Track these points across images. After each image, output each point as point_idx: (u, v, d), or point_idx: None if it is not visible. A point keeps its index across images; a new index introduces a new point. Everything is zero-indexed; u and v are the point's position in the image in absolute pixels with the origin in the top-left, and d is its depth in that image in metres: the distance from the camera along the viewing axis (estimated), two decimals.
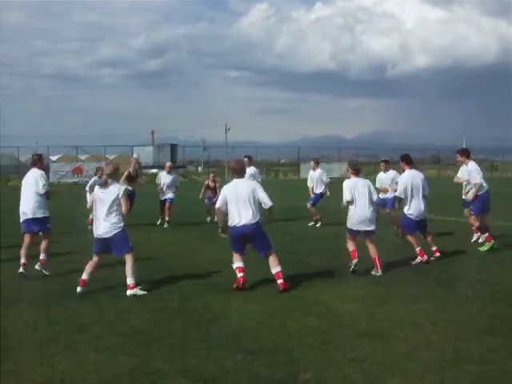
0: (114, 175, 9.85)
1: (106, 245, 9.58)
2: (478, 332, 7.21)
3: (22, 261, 10.70)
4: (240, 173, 10.02)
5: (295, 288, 9.56)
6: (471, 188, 13.43)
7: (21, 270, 10.60)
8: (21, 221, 11.10)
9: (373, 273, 10.66)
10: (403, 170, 12.50)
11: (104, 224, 9.44)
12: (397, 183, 13.37)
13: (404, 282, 10.07)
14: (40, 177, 11.09)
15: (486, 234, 13.27)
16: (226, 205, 9.70)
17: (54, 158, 72.99)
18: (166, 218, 19.18)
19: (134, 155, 21.06)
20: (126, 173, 18.47)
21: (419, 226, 12.21)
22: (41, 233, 11.30)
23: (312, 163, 19.94)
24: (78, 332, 7.39)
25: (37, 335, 7.30)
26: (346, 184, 10.98)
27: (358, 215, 10.86)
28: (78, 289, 9.40)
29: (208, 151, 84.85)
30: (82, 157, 71.69)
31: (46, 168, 12.58)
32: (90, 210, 10.03)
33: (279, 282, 9.47)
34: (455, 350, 6.51)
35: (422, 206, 12.07)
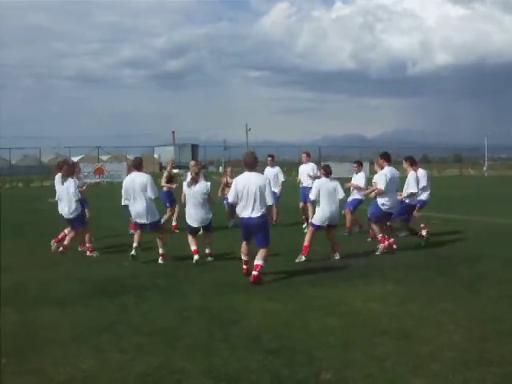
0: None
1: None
2: (502, 333, 7.16)
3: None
4: (251, 166, 10.43)
5: (315, 287, 9.57)
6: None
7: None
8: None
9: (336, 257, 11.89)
10: (382, 168, 13.60)
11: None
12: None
13: (426, 281, 10.03)
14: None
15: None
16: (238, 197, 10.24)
17: (75, 159, 73.52)
18: None
19: (156, 156, 21.31)
20: (165, 174, 18.69)
21: (388, 216, 13.12)
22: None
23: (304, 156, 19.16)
24: (101, 332, 7.44)
25: (61, 335, 7.35)
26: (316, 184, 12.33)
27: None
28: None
29: (229, 151, 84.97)
30: (104, 157, 72.06)
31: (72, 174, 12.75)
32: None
33: (253, 272, 9.96)
34: (478, 351, 6.48)
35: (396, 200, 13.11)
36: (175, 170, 20.65)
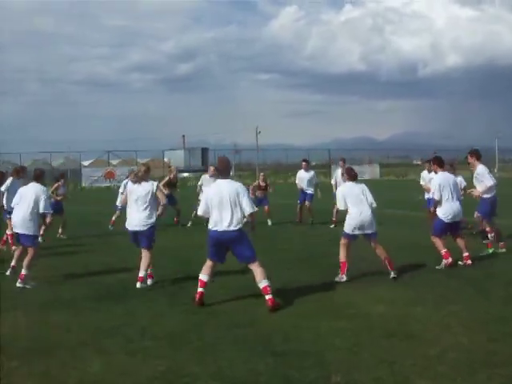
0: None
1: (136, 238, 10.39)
2: (509, 334, 7.15)
3: None
4: (224, 173, 9.26)
5: (324, 290, 9.57)
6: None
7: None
8: None
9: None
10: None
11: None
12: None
13: (434, 283, 10.01)
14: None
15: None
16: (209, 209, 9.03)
17: (85, 163, 73.70)
18: None
19: (170, 162, 22.01)
20: (166, 179, 19.18)
21: (452, 227, 11.99)
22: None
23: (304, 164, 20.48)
24: (110, 335, 7.47)
25: (69, 338, 7.39)
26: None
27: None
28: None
29: (239, 155, 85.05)
30: (114, 161, 72.30)
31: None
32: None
33: (267, 297, 8.65)
34: (486, 353, 6.47)
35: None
36: (185, 174, 21.04)
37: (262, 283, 8.77)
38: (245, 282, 10.19)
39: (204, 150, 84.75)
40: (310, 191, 19.93)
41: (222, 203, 8.82)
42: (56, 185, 18.24)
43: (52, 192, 17.43)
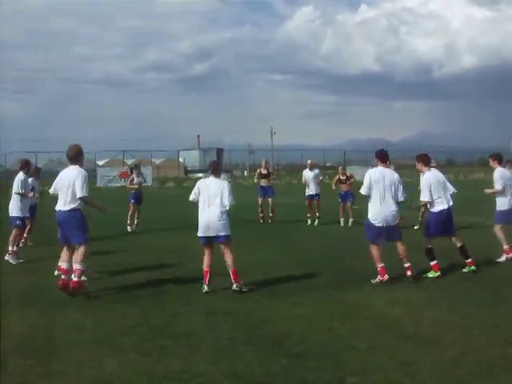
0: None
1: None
2: None
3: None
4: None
5: (340, 291, 9.54)
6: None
7: None
8: None
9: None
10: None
11: None
12: None
13: (450, 286, 9.96)
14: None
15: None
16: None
17: (100, 163, 73.92)
18: None
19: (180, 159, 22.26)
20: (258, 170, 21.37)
21: None
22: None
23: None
24: (125, 334, 7.47)
25: (85, 337, 7.40)
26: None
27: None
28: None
29: (254, 155, 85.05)
30: (129, 161, 72.50)
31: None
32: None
33: (73, 278, 9.38)
34: (503, 356, 6.42)
35: None
36: (200, 174, 21.22)
37: (76, 265, 9.44)
38: (260, 283, 10.19)
39: (219, 151, 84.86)
40: (316, 191, 20.23)
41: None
42: (131, 177, 20.23)
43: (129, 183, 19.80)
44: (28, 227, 14.90)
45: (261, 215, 20.61)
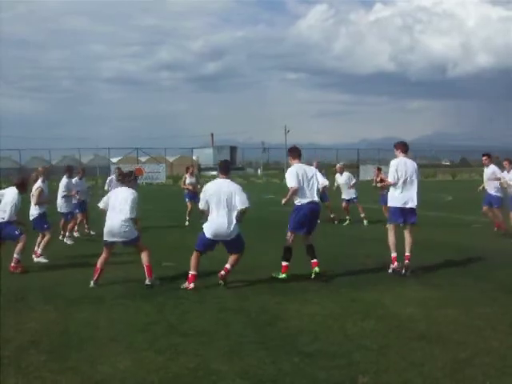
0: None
1: None
2: None
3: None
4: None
5: (353, 290, 9.53)
6: None
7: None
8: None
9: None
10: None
11: None
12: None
13: (464, 285, 9.93)
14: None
15: None
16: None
17: (114, 160, 74.13)
18: None
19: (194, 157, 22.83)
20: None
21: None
22: None
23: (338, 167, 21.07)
24: (139, 332, 7.50)
25: (98, 334, 7.43)
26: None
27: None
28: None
29: (267, 153, 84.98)
30: (143, 159, 72.63)
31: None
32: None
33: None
34: None
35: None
36: (213, 173, 21.50)
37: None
38: (273, 281, 10.20)
39: (232, 149, 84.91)
40: (350, 196, 20.27)
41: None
42: (184, 177, 21.77)
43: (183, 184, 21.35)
44: (78, 220, 17.11)
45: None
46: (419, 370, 6.02)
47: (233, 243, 10.02)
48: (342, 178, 20.25)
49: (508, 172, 16.32)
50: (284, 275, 10.50)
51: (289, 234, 10.79)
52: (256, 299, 9.12)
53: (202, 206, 10.07)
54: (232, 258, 10.06)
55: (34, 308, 8.71)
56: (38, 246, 13.01)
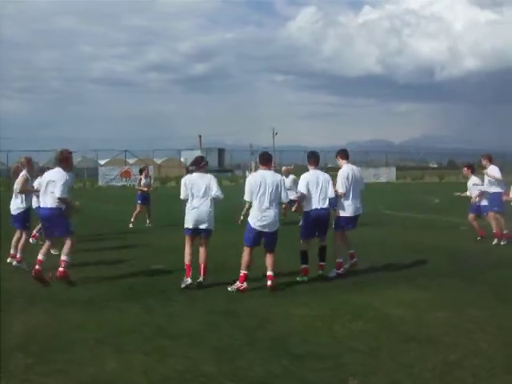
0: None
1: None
2: None
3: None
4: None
5: (342, 292, 9.53)
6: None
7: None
8: None
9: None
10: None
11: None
12: None
13: (454, 287, 9.95)
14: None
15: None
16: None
17: (102, 162, 73.97)
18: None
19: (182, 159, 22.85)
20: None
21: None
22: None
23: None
24: (126, 334, 7.46)
25: (86, 336, 7.38)
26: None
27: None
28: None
29: (255, 155, 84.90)
30: (131, 160, 72.47)
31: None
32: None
33: (60, 269, 10.02)
34: (505, 358, 6.41)
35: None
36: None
37: (63, 256, 10.16)
38: (263, 283, 10.18)
39: (220, 151, 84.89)
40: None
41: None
42: (139, 178, 21.22)
43: (138, 185, 20.83)
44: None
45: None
46: (409, 372, 6.02)
47: (274, 237, 10.05)
48: (287, 181, 20.46)
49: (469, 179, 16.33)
50: (304, 277, 10.59)
51: (301, 241, 10.94)
52: (245, 301, 9.09)
53: (247, 197, 10.04)
54: (269, 261, 9.98)
55: (21, 310, 8.64)
56: (15, 248, 12.31)
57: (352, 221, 11.22)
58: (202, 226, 10.22)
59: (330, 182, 10.83)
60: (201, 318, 8.19)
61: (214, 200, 10.20)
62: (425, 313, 8.33)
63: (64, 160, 10.55)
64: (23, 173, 12.34)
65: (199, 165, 10.38)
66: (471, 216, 16.16)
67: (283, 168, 21.33)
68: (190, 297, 9.37)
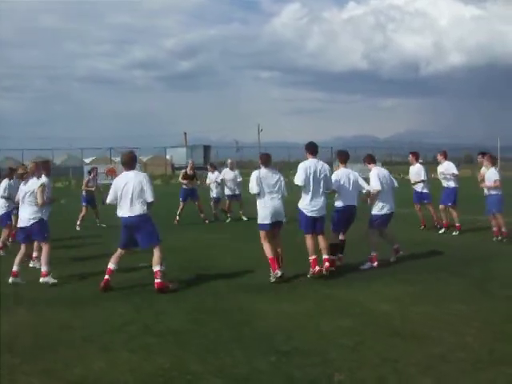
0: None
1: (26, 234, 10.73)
2: None
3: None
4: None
5: (327, 288, 9.56)
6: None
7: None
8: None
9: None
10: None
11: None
12: None
13: (438, 282, 10.00)
14: None
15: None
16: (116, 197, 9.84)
17: (87, 160, 73.65)
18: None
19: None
20: (183, 171, 21.03)
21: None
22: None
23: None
24: (113, 332, 7.46)
25: (72, 335, 7.38)
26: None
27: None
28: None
29: (241, 152, 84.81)
30: (116, 158, 72.23)
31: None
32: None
33: (156, 281, 9.53)
34: (490, 352, 6.45)
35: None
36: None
37: (155, 267, 9.59)
38: (249, 280, 10.21)
39: (206, 148, 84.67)
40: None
41: (127, 193, 9.67)
42: (87, 178, 20.66)
43: (85, 185, 19.88)
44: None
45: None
46: (394, 366, 6.05)
47: (324, 220, 10.67)
48: (231, 174, 20.57)
49: (442, 164, 16.85)
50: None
51: (332, 234, 11.31)
52: (231, 298, 9.11)
53: (299, 181, 10.39)
54: (323, 244, 10.54)
55: (8, 310, 8.61)
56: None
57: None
58: (279, 219, 10.59)
59: (359, 179, 11.41)
60: (187, 315, 8.20)
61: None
62: (410, 307, 8.37)
63: (130, 161, 10.11)
64: (42, 181, 11.00)
65: (267, 162, 10.73)
66: (417, 206, 17.22)
67: (229, 161, 21.34)
68: (176, 295, 9.37)
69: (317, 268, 10.25)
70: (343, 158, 11.51)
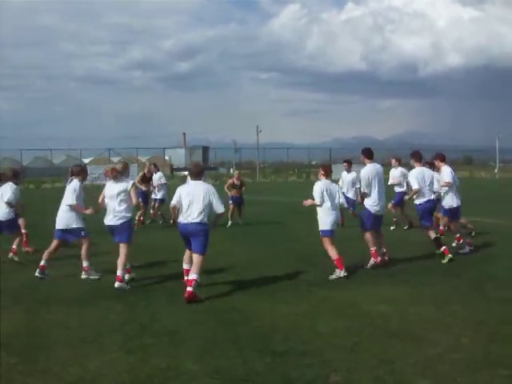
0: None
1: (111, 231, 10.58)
2: (509, 334, 7.14)
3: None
4: (197, 175, 9.92)
5: (324, 289, 9.56)
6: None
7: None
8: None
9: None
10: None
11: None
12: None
13: (434, 283, 10.01)
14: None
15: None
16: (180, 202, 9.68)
17: (86, 161, 73.73)
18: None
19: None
20: (140, 174, 20.63)
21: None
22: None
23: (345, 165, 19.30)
24: (110, 332, 7.46)
25: (69, 335, 7.38)
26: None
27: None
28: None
29: (239, 153, 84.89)
30: (114, 159, 72.22)
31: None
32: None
33: (188, 289, 9.10)
34: (486, 353, 6.46)
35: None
36: (186, 173, 21.28)
37: (192, 275, 9.25)
38: (245, 281, 10.20)
39: (205, 149, 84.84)
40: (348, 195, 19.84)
41: (193, 200, 9.52)
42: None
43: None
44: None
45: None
46: (391, 367, 6.06)
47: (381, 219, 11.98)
48: (396, 172, 20.22)
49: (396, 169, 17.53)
50: (450, 256, 11.88)
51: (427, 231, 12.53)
52: (228, 299, 9.12)
53: (365, 189, 11.60)
54: (382, 240, 11.85)
55: (4, 309, 8.61)
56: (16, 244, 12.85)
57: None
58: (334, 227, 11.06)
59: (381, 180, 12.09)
60: (184, 315, 8.20)
61: None
62: (406, 309, 8.37)
63: (200, 171, 10.06)
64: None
65: (328, 172, 11.10)
66: (398, 209, 17.43)
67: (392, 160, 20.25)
68: (172, 295, 9.37)
69: (378, 259, 11.43)
70: (369, 155, 12.07)
